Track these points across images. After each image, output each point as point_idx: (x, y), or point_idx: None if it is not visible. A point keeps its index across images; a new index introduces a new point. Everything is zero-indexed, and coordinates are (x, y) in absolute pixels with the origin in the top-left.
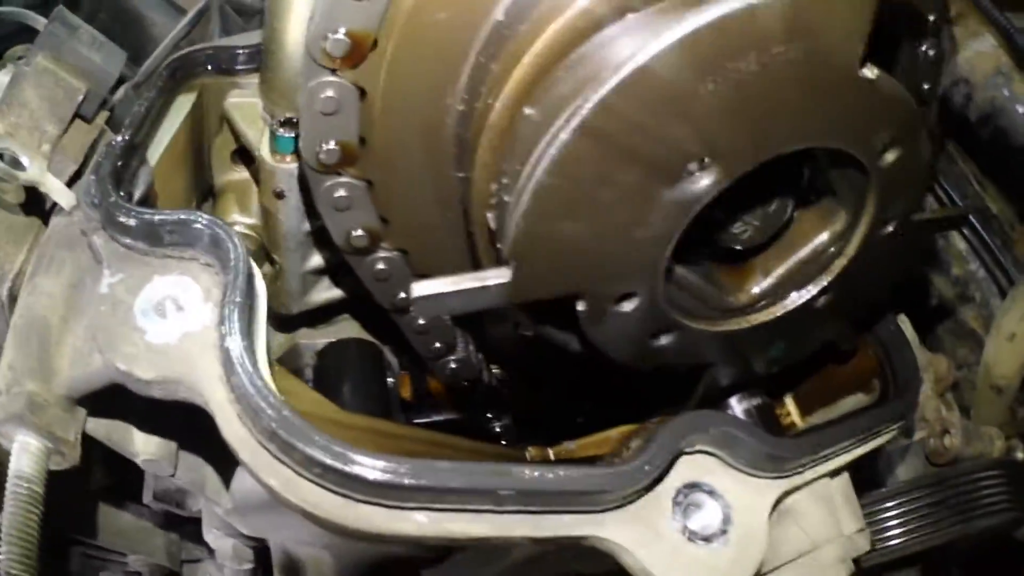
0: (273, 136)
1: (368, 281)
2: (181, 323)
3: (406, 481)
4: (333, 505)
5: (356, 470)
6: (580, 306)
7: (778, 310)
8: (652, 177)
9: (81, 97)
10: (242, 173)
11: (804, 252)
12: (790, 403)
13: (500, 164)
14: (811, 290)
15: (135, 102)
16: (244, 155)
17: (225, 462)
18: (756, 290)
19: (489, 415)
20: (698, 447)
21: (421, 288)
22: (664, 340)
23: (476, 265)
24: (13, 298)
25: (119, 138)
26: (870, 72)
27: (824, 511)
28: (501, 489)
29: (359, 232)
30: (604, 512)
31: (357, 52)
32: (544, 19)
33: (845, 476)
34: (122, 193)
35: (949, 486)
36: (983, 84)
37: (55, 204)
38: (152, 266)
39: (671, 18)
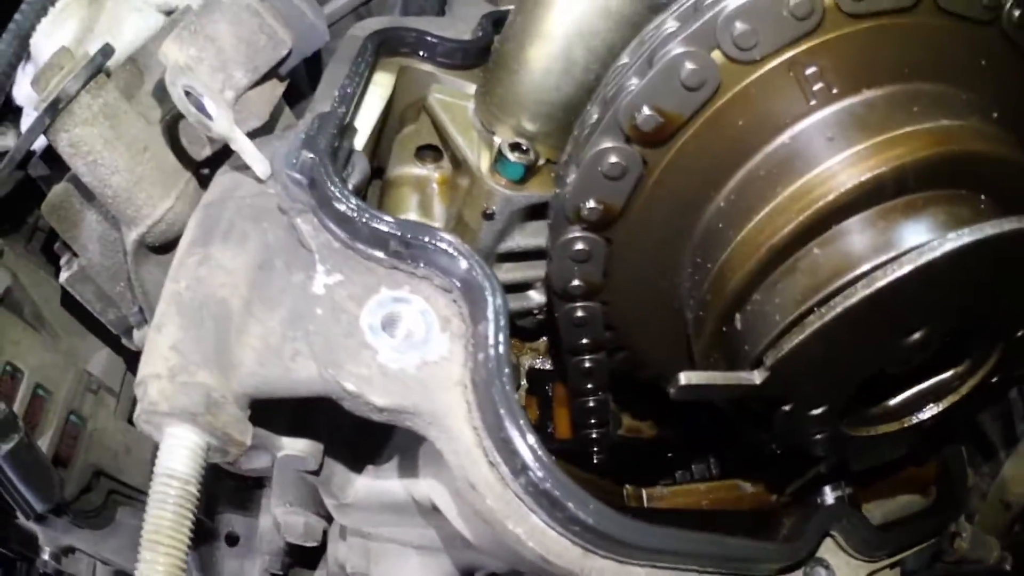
0: (500, 157)
1: (564, 324)
2: (418, 350)
3: (651, 543)
4: (574, 556)
5: (616, 532)
6: (787, 407)
7: (899, 425)
8: (896, 334)
9: (286, 52)
10: (426, 170)
11: (931, 383)
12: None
13: (749, 293)
14: (927, 414)
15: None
16: (431, 151)
17: (354, 461)
18: (888, 405)
19: (595, 449)
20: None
21: (687, 378)
22: (819, 436)
23: (688, 346)
24: (146, 246)
25: (329, 110)
26: None
27: None
28: (712, 554)
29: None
30: None
31: (607, 218)
32: (795, 206)
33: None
34: (338, 179)
35: None
36: None
37: (218, 154)
38: (377, 275)
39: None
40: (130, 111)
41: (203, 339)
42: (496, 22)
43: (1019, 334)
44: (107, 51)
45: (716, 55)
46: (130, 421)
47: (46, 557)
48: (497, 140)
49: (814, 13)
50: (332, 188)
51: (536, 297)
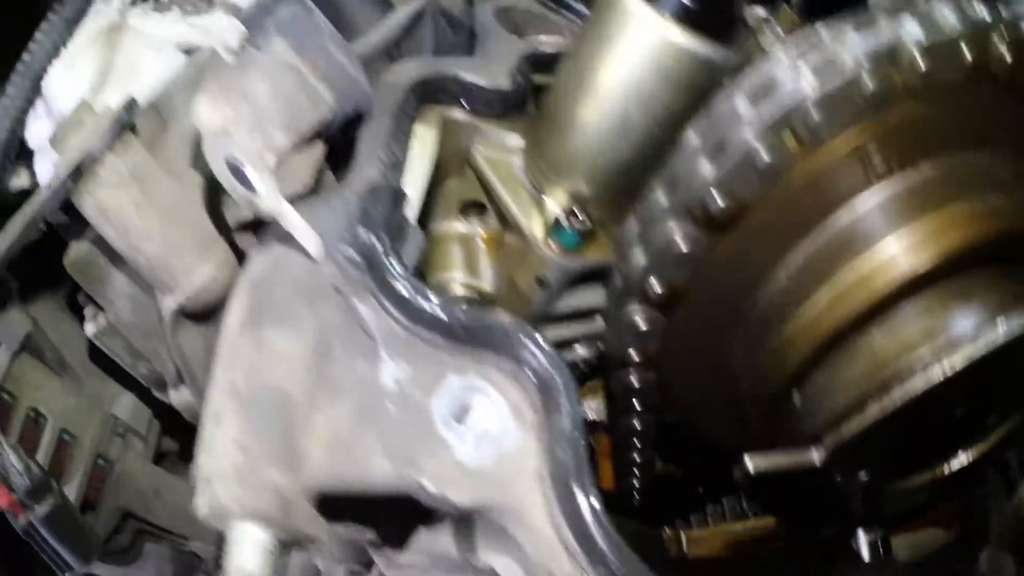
0: (556, 225)
1: (617, 387)
2: (493, 443)
3: None
4: None
5: None
6: (837, 476)
7: (931, 475)
8: (947, 412)
9: (329, 113)
10: (471, 226)
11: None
12: None
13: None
14: (957, 464)
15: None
16: (476, 207)
17: (408, 524)
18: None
19: (635, 495)
20: None
21: (753, 464)
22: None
23: (741, 414)
24: (185, 314)
25: (381, 178)
26: None
27: None
28: None
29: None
30: None
31: (671, 298)
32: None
33: None
34: (397, 259)
35: None
36: None
37: (256, 220)
38: (443, 361)
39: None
40: (160, 172)
41: (267, 433)
42: (535, 64)
43: None
44: (131, 106)
45: (788, 139)
46: (156, 463)
47: None
48: (550, 204)
49: (885, 96)
50: (394, 270)
51: (581, 352)
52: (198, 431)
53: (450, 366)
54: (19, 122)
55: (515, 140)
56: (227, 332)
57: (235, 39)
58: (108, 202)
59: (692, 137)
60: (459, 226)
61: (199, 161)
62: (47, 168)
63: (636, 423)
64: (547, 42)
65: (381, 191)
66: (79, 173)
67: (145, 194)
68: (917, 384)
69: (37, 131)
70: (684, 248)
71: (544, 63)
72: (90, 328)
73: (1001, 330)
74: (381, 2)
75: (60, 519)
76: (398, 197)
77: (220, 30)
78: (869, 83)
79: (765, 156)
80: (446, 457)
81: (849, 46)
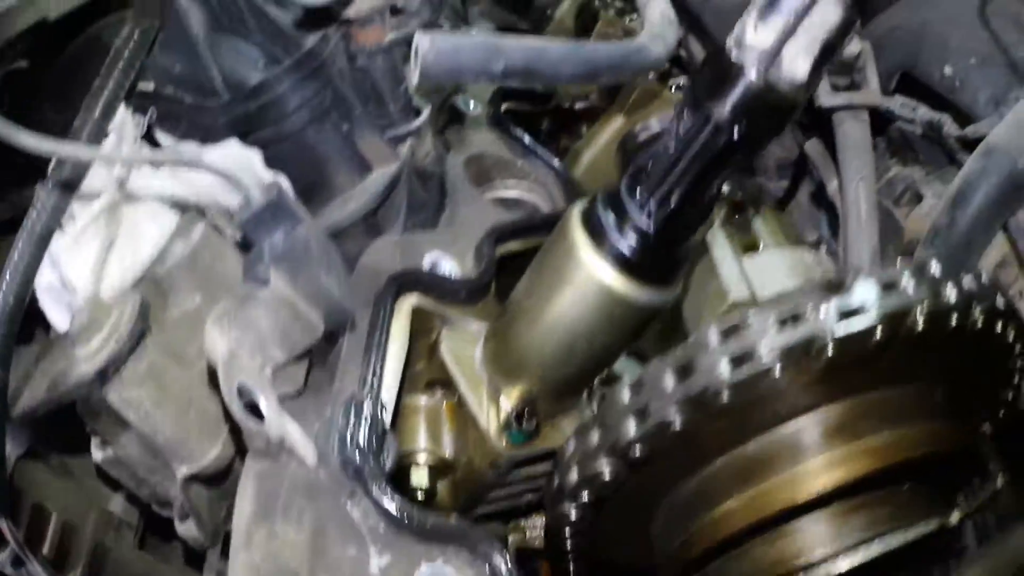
0: (508, 426)
1: (553, 542)
2: None
3: None
4: None
5: None
6: None
7: None
8: None
9: (319, 335)
10: (435, 400)
11: None
12: None
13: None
14: None
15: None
16: (441, 384)
17: None
18: None
19: None
20: None
21: None
22: None
23: None
24: (196, 478)
25: (364, 397)
26: None
27: None
28: None
29: None
30: None
31: (599, 502)
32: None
33: None
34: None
35: None
36: None
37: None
38: (418, 552)
39: None
40: (173, 367)
41: None
42: (502, 236)
43: None
44: (144, 310)
45: (701, 410)
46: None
47: None
48: (504, 403)
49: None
50: (377, 488)
51: (529, 497)
52: None
53: (423, 556)
54: (27, 285)
55: (478, 327)
56: (240, 520)
57: (221, 197)
58: (130, 398)
59: (625, 395)
60: (424, 399)
61: (195, 335)
62: (50, 307)
63: (571, 563)
64: (513, 188)
65: (362, 408)
66: (105, 376)
67: (160, 389)
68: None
69: (43, 280)
70: (608, 475)
71: (508, 233)
72: (97, 456)
73: (878, 545)
74: (360, 164)
75: None
76: (378, 412)
77: (207, 188)
78: (777, 374)
79: (678, 425)
80: None
81: (767, 339)
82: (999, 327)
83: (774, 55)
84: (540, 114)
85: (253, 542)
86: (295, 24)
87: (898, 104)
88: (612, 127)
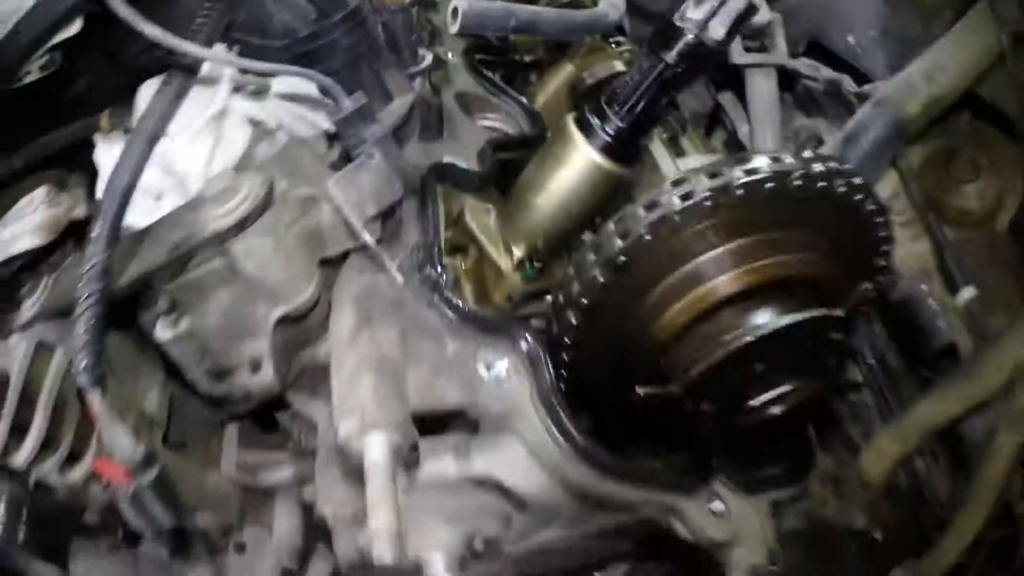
0: (520, 265)
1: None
2: (505, 381)
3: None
4: None
5: None
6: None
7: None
8: (751, 369)
9: (400, 194)
10: (456, 263)
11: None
12: None
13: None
14: (767, 397)
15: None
16: (460, 250)
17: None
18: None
19: None
20: None
21: (642, 389)
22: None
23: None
24: (288, 319)
25: (430, 238)
26: None
27: None
28: None
29: None
30: None
31: (591, 308)
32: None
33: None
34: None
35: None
36: (908, 276)
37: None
38: (477, 340)
39: None
40: (283, 226)
41: (388, 384)
42: (495, 147)
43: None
44: (270, 181)
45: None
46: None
47: None
48: (516, 251)
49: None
50: (448, 295)
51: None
52: (331, 386)
53: (480, 343)
54: (136, 178)
55: (489, 207)
56: (343, 329)
57: (287, 120)
58: (253, 246)
59: (611, 225)
60: (449, 261)
61: (297, 211)
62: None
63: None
64: (490, 118)
65: (431, 246)
66: (242, 227)
67: (276, 240)
68: (730, 347)
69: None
70: (601, 279)
71: (499, 145)
72: (166, 334)
73: (775, 322)
74: (385, 93)
75: (160, 483)
76: (439, 248)
77: (276, 112)
78: (708, 204)
79: (648, 238)
80: (484, 388)
81: (701, 184)
82: (858, 198)
83: (704, 24)
84: (499, 64)
85: (358, 342)
86: None
87: (804, 65)
88: (563, 73)
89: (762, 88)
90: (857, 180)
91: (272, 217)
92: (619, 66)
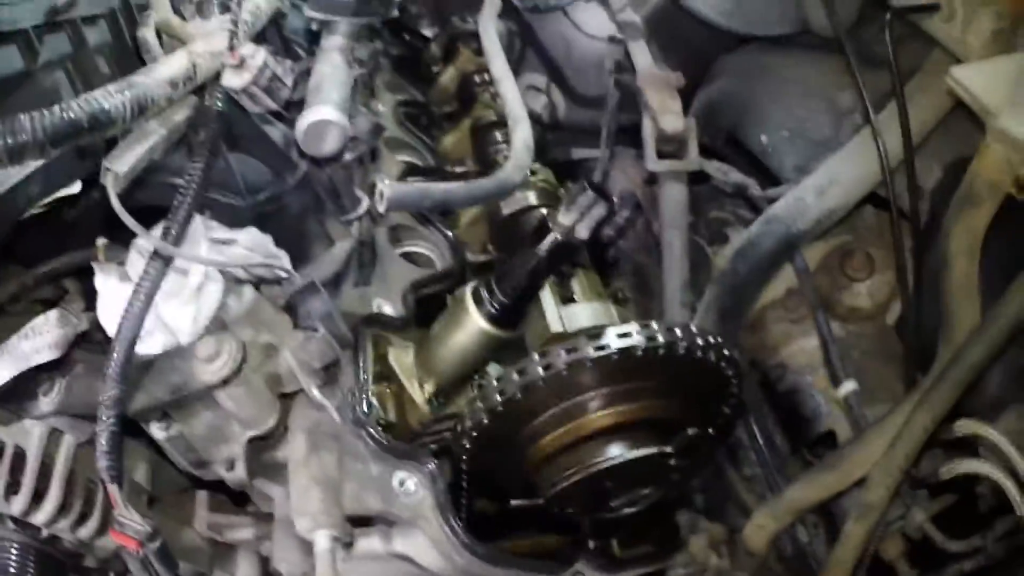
0: (429, 401)
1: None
2: (415, 492)
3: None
4: None
5: None
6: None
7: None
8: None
9: (337, 356)
10: (381, 388)
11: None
12: None
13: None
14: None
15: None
16: (384, 378)
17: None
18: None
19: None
20: None
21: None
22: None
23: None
24: (257, 438)
25: (357, 384)
26: None
27: None
28: None
29: None
30: None
31: (477, 436)
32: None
33: None
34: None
35: None
36: (794, 369)
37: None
38: (394, 463)
39: None
40: (251, 371)
41: (331, 495)
42: (416, 287)
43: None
44: (241, 345)
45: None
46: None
47: None
48: (428, 388)
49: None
50: (371, 431)
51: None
52: (288, 486)
53: (395, 465)
54: (139, 328)
55: (409, 345)
56: (298, 453)
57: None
58: (233, 394)
59: (494, 381)
60: (377, 388)
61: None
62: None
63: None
64: (417, 245)
65: (360, 392)
66: (226, 383)
67: (248, 387)
68: (587, 471)
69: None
70: (486, 420)
71: (421, 284)
72: (160, 435)
73: (623, 455)
74: (325, 237)
75: (164, 552)
76: (365, 392)
77: (243, 260)
78: (564, 373)
79: (519, 395)
80: (398, 500)
81: (560, 357)
82: (712, 358)
83: (571, 228)
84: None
85: (308, 463)
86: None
87: (714, 168)
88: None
89: (674, 192)
90: (701, 342)
91: (244, 367)
92: (532, 198)
